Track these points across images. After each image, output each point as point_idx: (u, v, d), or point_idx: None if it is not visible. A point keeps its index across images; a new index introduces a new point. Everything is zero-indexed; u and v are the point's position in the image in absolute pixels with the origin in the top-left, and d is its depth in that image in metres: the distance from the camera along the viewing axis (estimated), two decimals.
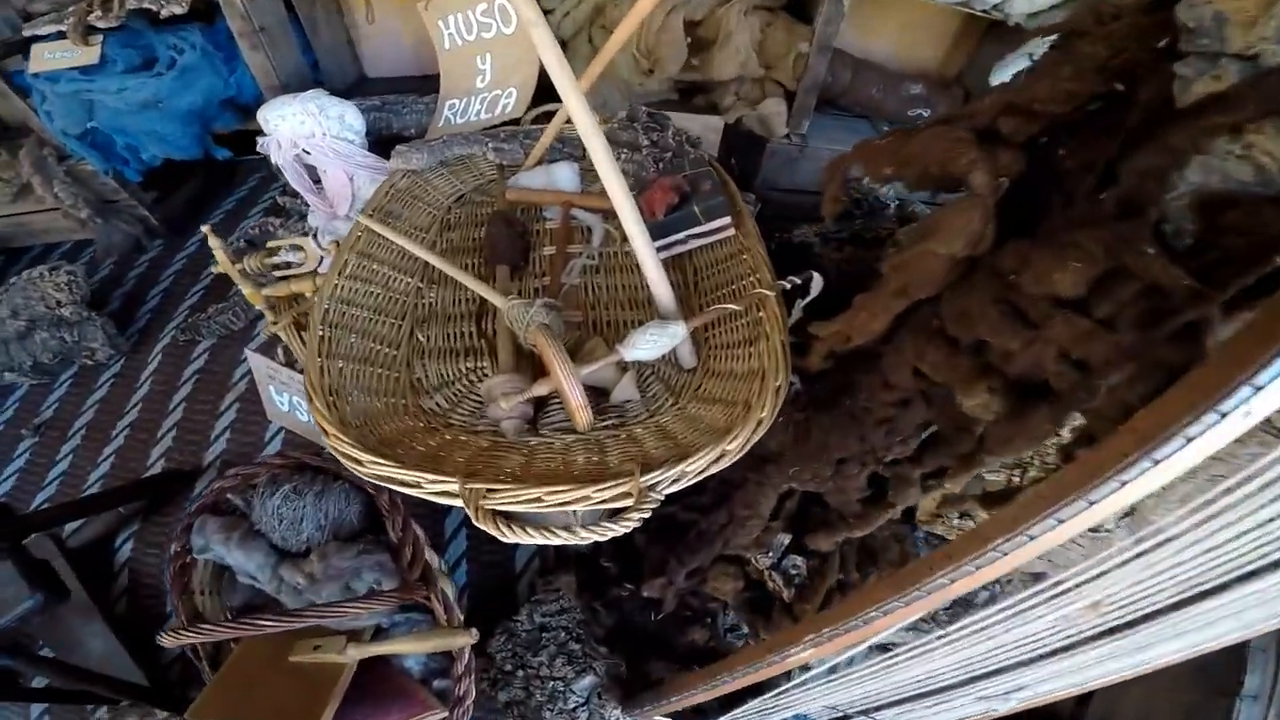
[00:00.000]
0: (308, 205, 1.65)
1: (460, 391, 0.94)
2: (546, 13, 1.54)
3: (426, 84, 1.78)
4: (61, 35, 1.54)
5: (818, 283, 0.90)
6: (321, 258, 1.16)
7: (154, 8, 1.48)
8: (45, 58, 1.55)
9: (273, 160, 1.42)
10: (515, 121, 1.40)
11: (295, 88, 1.61)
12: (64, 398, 1.77)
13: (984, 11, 1.54)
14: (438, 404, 0.92)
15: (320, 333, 0.90)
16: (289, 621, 1.01)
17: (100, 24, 1.50)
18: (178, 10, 1.48)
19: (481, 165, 1.30)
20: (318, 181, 1.48)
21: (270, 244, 1.18)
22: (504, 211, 1.13)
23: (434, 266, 1.03)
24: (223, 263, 1.14)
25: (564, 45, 1.51)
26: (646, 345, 0.83)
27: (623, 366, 0.90)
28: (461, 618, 1.10)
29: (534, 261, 1.12)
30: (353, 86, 1.86)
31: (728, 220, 1.03)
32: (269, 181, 2.12)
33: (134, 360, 1.78)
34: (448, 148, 1.23)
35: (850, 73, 1.69)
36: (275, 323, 1.18)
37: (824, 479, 0.93)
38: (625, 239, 1.10)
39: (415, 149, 1.20)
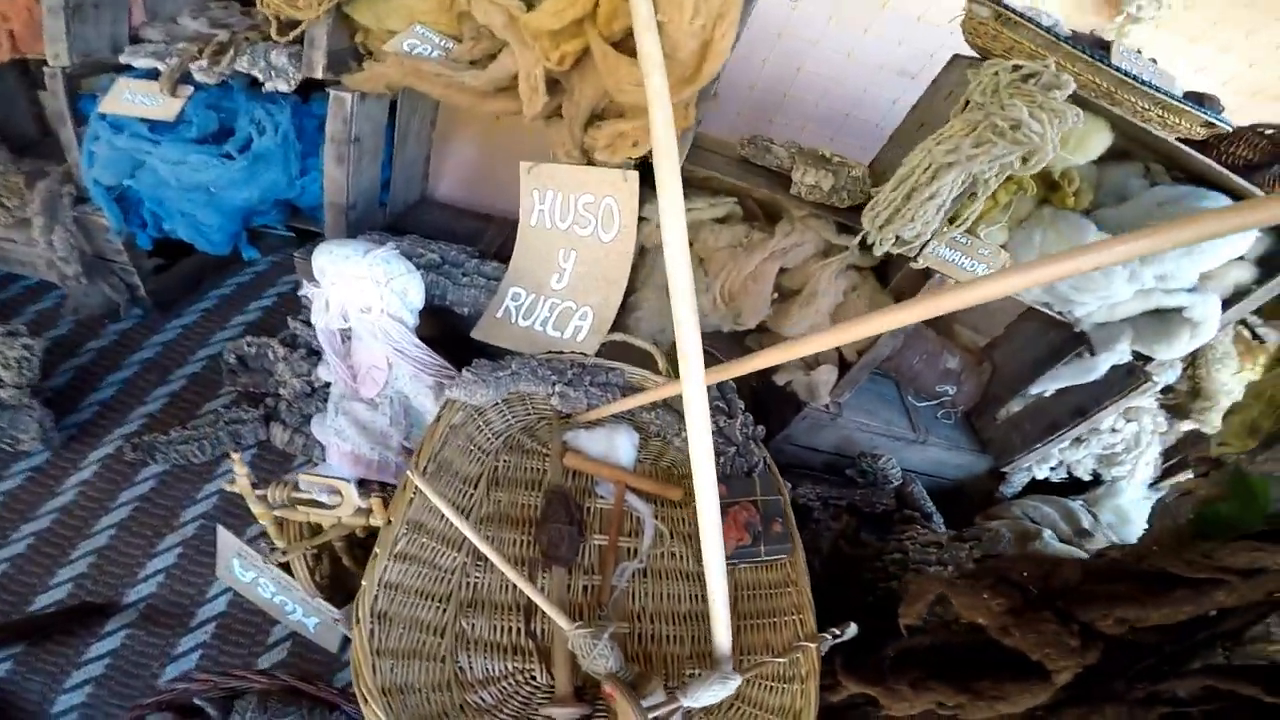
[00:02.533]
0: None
1: (506, 690, 1.01)
2: (642, 220, 1.67)
3: (485, 226, 1.93)
4: (153, 75, 1.57)
5: (852, 630, 1.04)
6: (359, 508, 1.20)
7: (261, 77, 1.52)
8: (123, 98, 1.57)
9: (313, 320, 1.46)
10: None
11: (360, 209, 1.68)
12: None
13: (1059, 314, 1.62)
14: (483, 699, 0.98)
15: (370, 626, 0.94)
16: None
17: (199, 76, 1.53)
18: (283, 88, 1.52)
19: (538, 401, 1.39)
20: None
21: (304, 476, 1.21)
22: (561, 491, 1.21)
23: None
24: (243, 489, 1.16)
25: (647, 253, 1.62)
26: (708, 696, 0.95)
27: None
28: None
29: (584, 551, 1.20)
30: (414, 205, 1.96)
31: (785, 556, 1.17)
32: (279, 270, 2.12)
33: (62, 459, 1.71)
34: (513, 382, 1.31)
35: (901, 340, 1.90)
36: (284, 550, 1.20)
37: None
38: (673, 537, 1.22)
39: (480, 381, 1.28)
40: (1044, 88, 1.16)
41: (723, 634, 1.01)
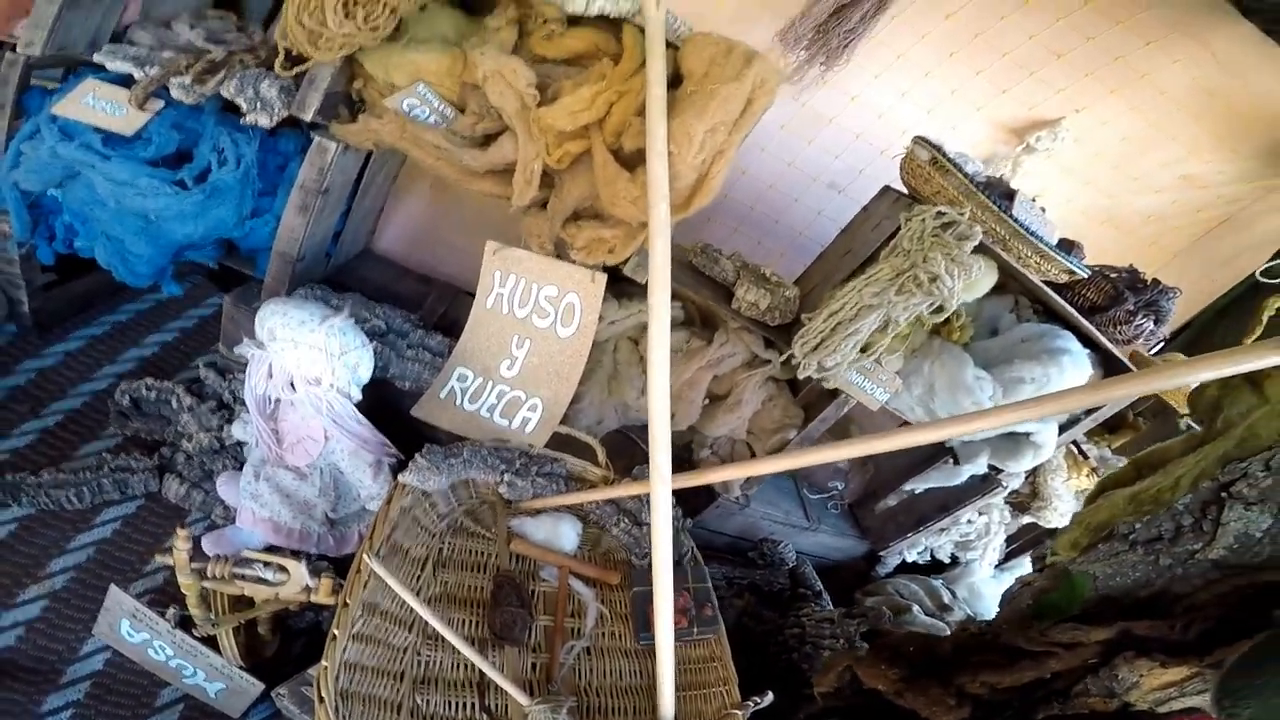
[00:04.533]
0: (235, 399, 1.72)
1: None
2: None
3: (426, 290, 2.09)
4: (124, 81, 1.58)
5: (769, 698, 1.31)
6: (306, 586, 1.29)
7: (244, 107, 1.54)
8: (84, 102, 1.56)
9: (248, 382, 1.51)
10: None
11: (308, 260, 1.76)
12: None
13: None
14: None
15: (335, 704, 1.05)
16: None
17: (177, 93, 1.54)
18: (264, 122, 1.55)
19: (481, 487, 1.55)
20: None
21: (247, 553, 1.28)
22: (510, 576, 1.38)
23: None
24: (179, 562, 1.21)
25: (595, 346, 1.82)
26: None
27: None
28: None
29: (530, 630, 1.37)
30: (356, 257, 2.07)
31: (713, 635, 1.41)
32: (183, 303, 2.08)
33: None
34: (465, 469, 1.46)
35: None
36: (214, 622, 1.26)
37: None
38: (614, 619, 1.43)
39: (433, 467, 1.42)
40: (958, 238, 1.51)
41: (668, 707, 1.22)
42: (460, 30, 1.54)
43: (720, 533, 2.20)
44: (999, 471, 2.11)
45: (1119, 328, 1.87)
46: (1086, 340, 1.86)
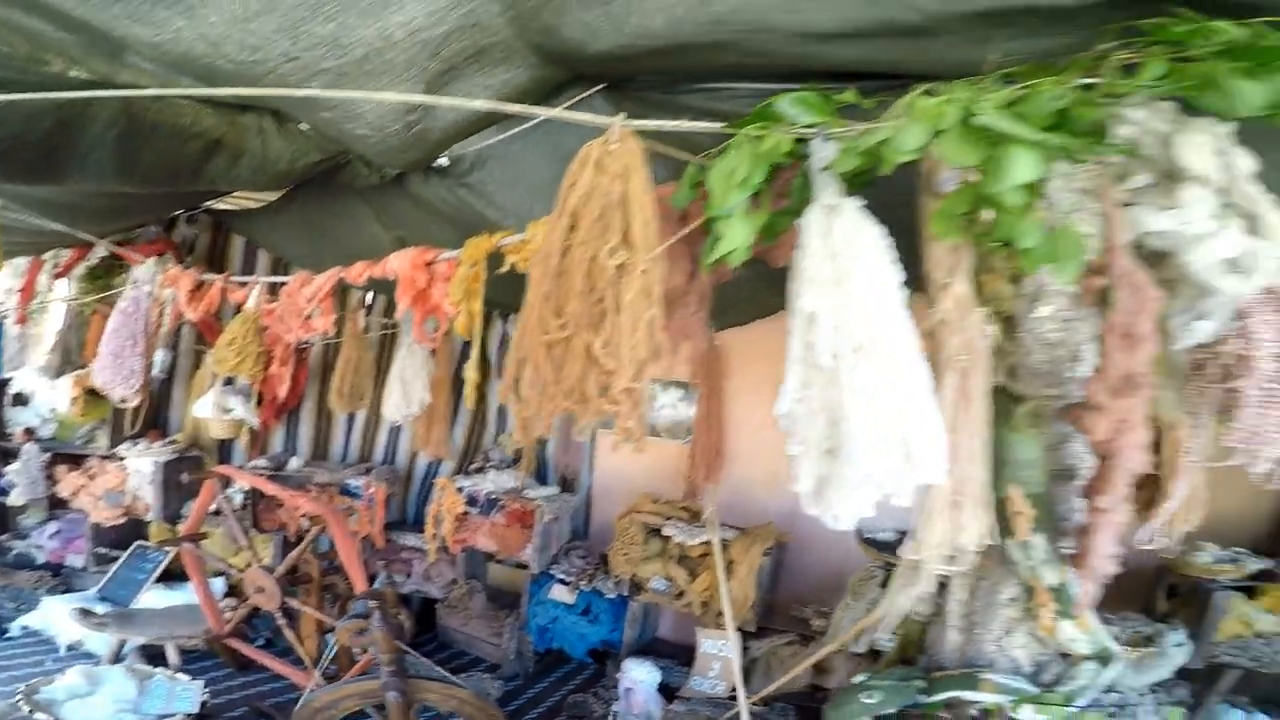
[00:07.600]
0: (612, 696, 4.67)
1: None
2: None
3: (680, 649, 4.95)
4: (564, 581, 4.90)
5: None
6: None
7: (602, 590, 4.73)
8: (553, 594, 4.92)
9: (623, 697, 4.43)
10: None
11: (637, 644, 4.77)
12: None
13: None
14: None
15: None
16: None
17: (583, 585, 4.81)
18: (611, 595, 4.72)
19: None
20: None
21: None
22: None
23: None
24: None
25: None
26: None
27: None
28: None
29: None
30: (652, 639, 5.05)
31: None
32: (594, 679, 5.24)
33: None
34: None
35: None
36: None
37: None
38: None
39: None
40: None
41: None
42: None
43: None
44: None
45: None
46: None
